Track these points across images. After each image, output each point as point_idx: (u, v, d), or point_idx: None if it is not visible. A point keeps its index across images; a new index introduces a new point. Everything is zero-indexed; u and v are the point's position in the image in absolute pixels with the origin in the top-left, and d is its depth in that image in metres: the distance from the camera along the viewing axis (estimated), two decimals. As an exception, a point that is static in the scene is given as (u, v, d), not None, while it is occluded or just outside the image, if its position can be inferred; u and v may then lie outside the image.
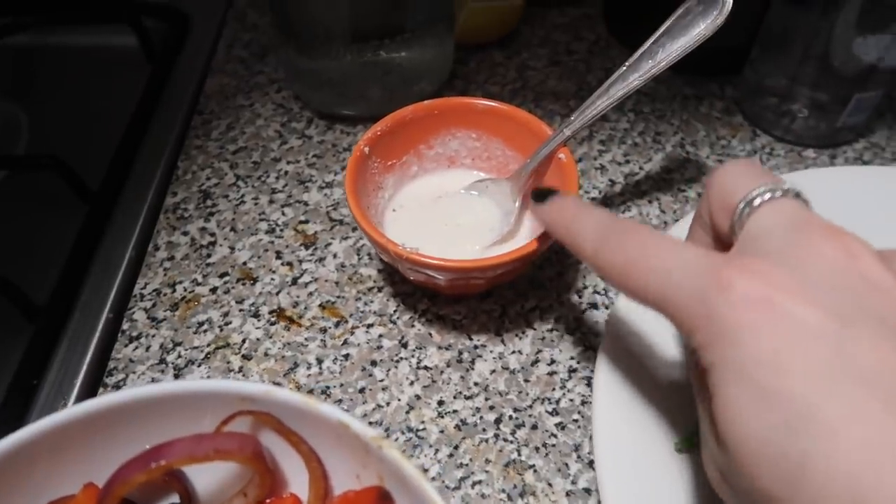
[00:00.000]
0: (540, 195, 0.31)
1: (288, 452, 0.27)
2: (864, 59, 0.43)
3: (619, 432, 0.32)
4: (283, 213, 0.45)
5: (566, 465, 0.34)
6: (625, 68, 0.36)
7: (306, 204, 0.46)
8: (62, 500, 0.26)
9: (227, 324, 0.40)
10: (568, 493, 0.33)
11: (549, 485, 0.34)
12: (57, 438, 0.25)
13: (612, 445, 0.32)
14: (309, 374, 0.38)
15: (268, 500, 0.28)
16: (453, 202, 0.40)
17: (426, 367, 0.38)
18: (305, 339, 0.39)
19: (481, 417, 0.36)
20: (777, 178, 0.24)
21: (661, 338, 0.35)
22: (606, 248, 0.25)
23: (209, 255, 0.43)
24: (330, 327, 0.39)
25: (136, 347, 0.39)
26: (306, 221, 0.45)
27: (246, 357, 0.38)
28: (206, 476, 0.28)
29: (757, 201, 0.23)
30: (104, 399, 0.25)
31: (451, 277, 0.34)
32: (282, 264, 0.42)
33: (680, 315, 0.22)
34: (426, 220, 0.39)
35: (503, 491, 0.34)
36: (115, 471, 0.25)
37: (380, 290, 0.41)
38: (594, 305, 0.40)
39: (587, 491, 0.33)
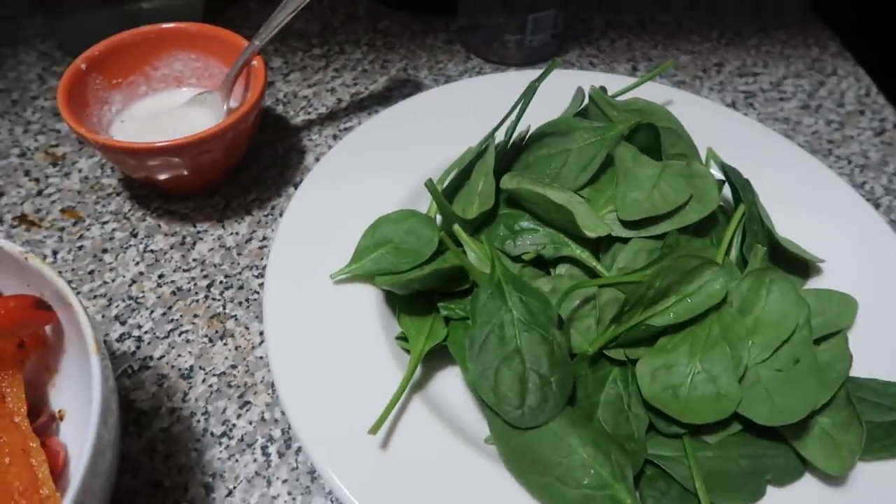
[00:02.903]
0: None
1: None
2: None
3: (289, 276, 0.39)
4: (36, 140, 0.50)
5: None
6: (298, -13, 0.44)
7: (58, 132, 0.51)
8: None
9: (-29, 231, 0.44)
10: (261, 333, 0.40)
11: (247, 328, 0.41)
12: None
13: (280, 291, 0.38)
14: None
15: None
16: (174, 114, 0.46)
17: (152, 251, 0.44)
18: (43, 237, 0.44)
19: (195, 284, 0.42)
20: None
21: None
22: None
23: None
24: (68, 226, 0.45)
25: None
26: (56, 145, 0.50)
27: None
28: None
29: None
30: None
31: (150, 160, 0.40)
32: (29, 180, 0.47)
33: None
34: (150, 130, 0.45)
35: (206, 336, 0.40)
36: None
37: (118, 194, 0.47)
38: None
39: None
